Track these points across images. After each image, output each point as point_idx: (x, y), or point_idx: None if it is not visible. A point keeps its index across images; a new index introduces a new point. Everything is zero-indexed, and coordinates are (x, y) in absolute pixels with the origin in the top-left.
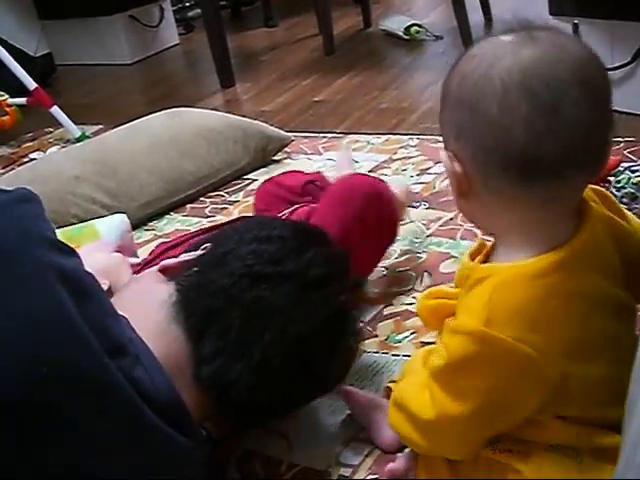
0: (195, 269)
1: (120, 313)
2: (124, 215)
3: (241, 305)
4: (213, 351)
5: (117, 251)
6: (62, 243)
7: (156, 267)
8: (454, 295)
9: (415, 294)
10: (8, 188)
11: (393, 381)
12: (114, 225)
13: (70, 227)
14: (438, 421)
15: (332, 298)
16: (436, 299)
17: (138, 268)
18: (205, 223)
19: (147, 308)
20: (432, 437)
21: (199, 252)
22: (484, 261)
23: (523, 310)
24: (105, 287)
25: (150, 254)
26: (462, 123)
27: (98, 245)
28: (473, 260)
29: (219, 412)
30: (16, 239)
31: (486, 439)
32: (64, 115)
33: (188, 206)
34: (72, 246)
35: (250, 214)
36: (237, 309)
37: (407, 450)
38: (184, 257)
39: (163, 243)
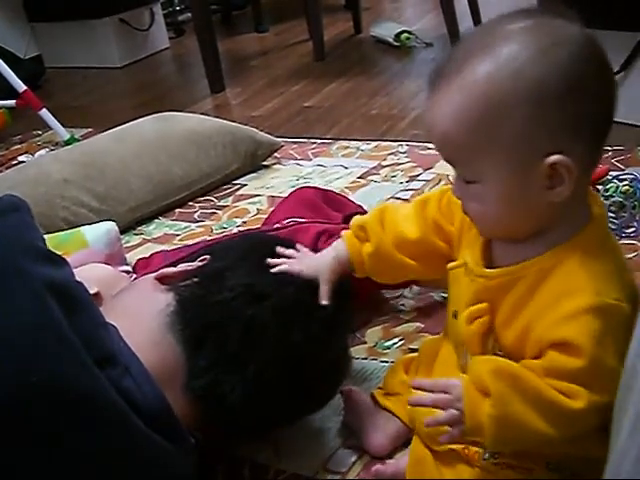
0: (195, 280)
1: (110, 322)
2: (113, 223)
3: (240, 320)
4: (208, 363)
5: (106, 261)
6: (52, 252)
7: (153, 274)
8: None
9: (404, 301)
10: None
11: (380, 388)
12: (102, 233)
13: (58, 233)
14: (588, 409)
15: (329, 319)
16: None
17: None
18: (194, 228)
19: (142, 316)
20: (573, 425)
21: (198, 263)
22: (489, 265)
23: (611, 273)
24: (92, 292)
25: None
26: (578, 112)
27: (88, 254)
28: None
29: (209, 422)
30: (5, 250)
31: None
32: (53, 118)
33: (177, 210)
34: (60, 253)
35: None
36: (235, 323)
37: (396, 457)
38: (183, 266)
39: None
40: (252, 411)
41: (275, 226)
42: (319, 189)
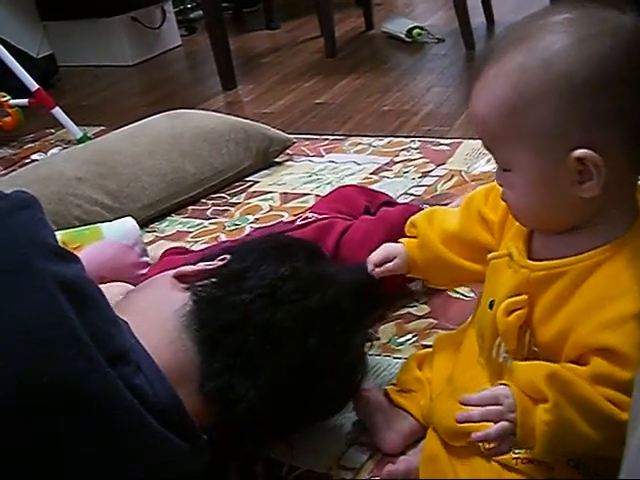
0: (213, 280)
1: (122, 317)
2: (130, 218)
3: (257, 323)
4: (223, 365)
5: (123, 252)
6: (63, 249)
7: (171, 272)
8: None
9: (417, 297)
10: (7, 192)
11: (394, 384)
12: (118, 225)
13: (76, 229)
14: None
15: (347, 325)
16: None
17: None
18: (207, 225)
19: (158, 314)
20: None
21: (217, 262)
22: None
23: None
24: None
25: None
26: (611, 107)
27: (102, 245)
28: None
29: (223, 423)
30: (16, 248)
31: None
32: (66, 116)
33: (189, 208)
34: (75, 246)
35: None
36: (252, 326)
37: (409, 453)
38: (201, 265)
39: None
40: (266, 415)
41: (297, 223)
42: (358, 186)
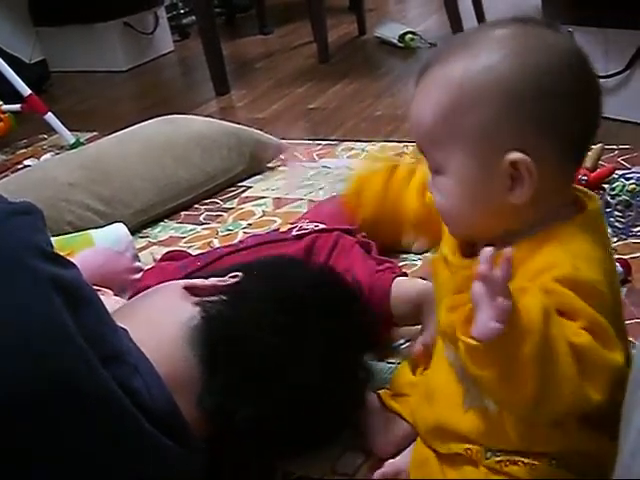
0: (223, 297)
1: (125, 324)
2: (121, 223)
3: (263, 346)
4: (223, 383)
5: (115, 259)
6: (59, 255)
7: (182, 282)
8: None
9: None
10: (14, 200)
11: (387, 388)
12: (109, 232)
13: (66, 235)
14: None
15: (352, 356)
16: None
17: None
18: (200, 230)
19: (163, 322)
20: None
21: (229, 280)
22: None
23: (594, 258)
24: (111, 294)
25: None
26: (545, 115)
27: (93, 253)
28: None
29: (220, 434)
30: (11, 250)
31: None
32: (58, 122)
33: (182, 213)
34: (65, 253)
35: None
36: (258, 349)
37: (400, 456)
38: (213, 281)
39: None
40: (262, 440)
41: (293, 233)
42: None
